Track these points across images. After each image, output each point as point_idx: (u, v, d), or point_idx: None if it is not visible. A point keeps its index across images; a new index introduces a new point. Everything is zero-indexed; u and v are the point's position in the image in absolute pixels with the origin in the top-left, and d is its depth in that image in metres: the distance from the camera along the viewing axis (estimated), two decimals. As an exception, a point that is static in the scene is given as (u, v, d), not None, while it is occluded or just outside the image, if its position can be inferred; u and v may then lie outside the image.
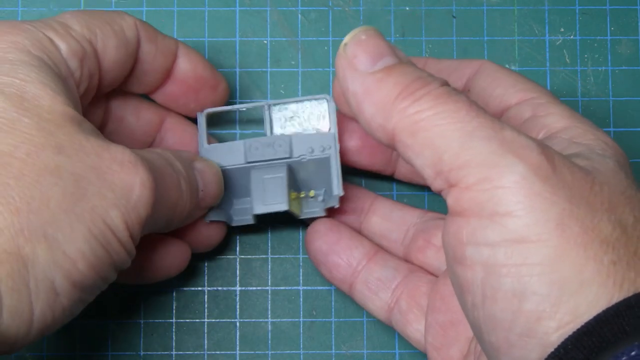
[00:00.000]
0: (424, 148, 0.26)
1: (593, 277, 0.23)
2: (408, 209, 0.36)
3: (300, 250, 0.38)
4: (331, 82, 0.39)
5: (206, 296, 0.38)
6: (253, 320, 0.38)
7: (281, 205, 0.34)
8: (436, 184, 0.26)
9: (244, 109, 0.37)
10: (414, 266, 0.35)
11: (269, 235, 0.38)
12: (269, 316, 0.38)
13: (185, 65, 0.34)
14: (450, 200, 0.26)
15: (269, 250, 0.38)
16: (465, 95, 0.27)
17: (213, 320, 0.38)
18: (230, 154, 0.35)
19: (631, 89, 0.40)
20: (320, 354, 0.38)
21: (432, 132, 0.26)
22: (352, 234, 0.35)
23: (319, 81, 0.39)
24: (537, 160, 0.24)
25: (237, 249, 0.38)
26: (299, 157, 0.35)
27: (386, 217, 0.36)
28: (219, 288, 0.38)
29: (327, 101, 0.35)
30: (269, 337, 0.38)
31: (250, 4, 0.40)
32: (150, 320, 0.38)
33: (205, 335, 0.38)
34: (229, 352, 0.38)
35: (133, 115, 0.35)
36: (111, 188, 0.27)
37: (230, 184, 0.35)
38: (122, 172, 0.27)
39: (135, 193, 0.27)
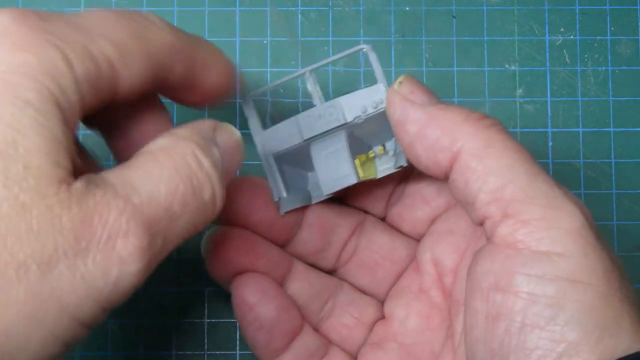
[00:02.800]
0: (489, 174, 0.27)
1: (629, 327, 0.25)
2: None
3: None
4: (331, 82, 0.39)
5: (206, 296, 0.38)
6: (253, 320, 0.38)
7: (350, 179, 0.32)
8: (487, 211, 0.27)
9: (283, 82, 0.34)
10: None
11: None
12: (269, 316, 0.38)
13: (211, 82, 0.30)
14: (503, 230, 0.27)
15: (269, 250, 0.38)
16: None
17: (213, 320, 0.38)
18: (286, 135, 0.33)
19: (631, 89, 0.40)
20: (320, 354, 0.38)
21: (502, 161, 0.27)
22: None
23: (319, 81, 0.39)
24: (588, 214, 0.27)
25: (237, 249, 0.38)
26: (354, 119, 0.32)
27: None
28: (219, 288, 0.38)
29: (368, 51, 0.32)
30: (269, 337, 0.38)
31: (250, 4, 0.40)
32: (151, 321, 0.37)
33: (205, 335, 0.38)
34: (229, 352, 0.38)
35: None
36: (84, 279, 0.23)
37: (300, 160, 0.33)
38: (98, 254, 0.23)
39: (112, 276, 0.23)
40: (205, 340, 0.38)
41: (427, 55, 0.40)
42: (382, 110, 0.31)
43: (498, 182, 0.27)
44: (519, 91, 0.39)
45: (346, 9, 0.40)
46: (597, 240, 0.26)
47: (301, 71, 0.33)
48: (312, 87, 0.33)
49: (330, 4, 0.40)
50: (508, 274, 0.26)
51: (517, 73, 0.40)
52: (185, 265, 0.38)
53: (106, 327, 0.38)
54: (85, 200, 0.23)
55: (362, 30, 0.40)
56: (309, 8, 0.40)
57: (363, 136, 0.33)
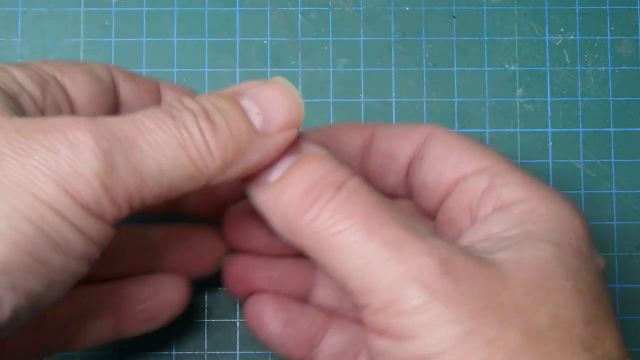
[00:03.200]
0: (332, 270, 0.25)
1: None
2: None
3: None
4: (331, 82, 0.39)
5: (206, 296, 0.38)
6: (253, 320, 0.38)
7: None
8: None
9: None
10: None
11: (269, 235, 0.38)
12: (269, 316, 0.38)
13: (172, 97, 0.32)
14: (364, 319, 0.25)
15: (269, 250, 0.38)
16: (370, 193, 0.25)
17: (213, 320, 0.38)
18: None
19: (631, 89, 0.40)
20: (320, 354, 0.38)
21: (335, 255, 0.25)
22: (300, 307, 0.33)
23: (319, 81, 0.39)
24: (437, 280, 0.24)
25: (237, 249, 0.38)
26: None
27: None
28: (219, 288, 0.38)
29: None
30: (269, 337, 0.38)
31: (250, 4, 0.40)
32: (150, 320, 0.38)
33: (205, 335, 0.38)
34: (229, 352, 0.38)
35: None
36: (30, 155, 0.23)
37: None
38: (44, 138, 0.23)
39: (63, 154, 0.23)
40: (205, 340, 0.38)
41: (427, 55, 0.40)
42: None
43: (342, 278, 0.25)
44: (519, 91, 0.39)
45: (346, 9, 0.40)
46: (448, 304, 0.24)
47: None
48: None
49: (330, 4, 0.40)
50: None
51: (517, 73, 0.40)
52: (185, 265, 0.38)
53: (106, 327, 0.38)
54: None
55: (362, 30, 0.40)
56: (309, 8, 0.40)
57: None
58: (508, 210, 0.27)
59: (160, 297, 0.33)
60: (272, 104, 0.26)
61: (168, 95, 0.32)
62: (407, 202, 0.33)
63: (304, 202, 0.25)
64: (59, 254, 0.23)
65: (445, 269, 0.24)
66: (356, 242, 0.24)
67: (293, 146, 0.26)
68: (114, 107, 0.31)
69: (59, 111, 0.28)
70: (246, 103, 0.26)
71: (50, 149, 0.23)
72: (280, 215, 0.26)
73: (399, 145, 0.30)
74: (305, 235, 0.25)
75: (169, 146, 0.24)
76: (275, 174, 0.26)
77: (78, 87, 0.29)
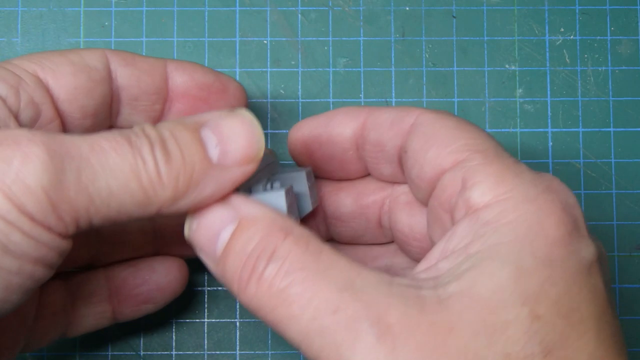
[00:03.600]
0: (283, 332, 0.25)
1: None
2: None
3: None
4: (331, 82, 0.39)
5: (206, 296, 0.38)
6: (253, 320, 0.38)
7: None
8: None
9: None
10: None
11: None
12: (269, 316, 0.38)
13: (181, 79, 0.32)
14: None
15: (269, 250, 0.38)
16: (305, 254, 0.25)
17: (213, 320, 0.38)
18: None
19: (631, 89, 0.40)
20: (320, 354, 0.38)
21: (282, 328, 0.25)
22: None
23: (319, 81, 0.39)
24: (374, 346, 0.23)
25: (237, 249, 0.38)
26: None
27: None
28: (219, 288, 0.38)
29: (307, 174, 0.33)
30: (269, 337, 0.38)
31: (250, 4, 0.40)
32: (151, 321, 0.37)
33: (205, 335, 0.38)
34: (229, 352, 0.38)
35: None
36: None
37: None
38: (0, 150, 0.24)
39: (14, 166, 0.23)
40: (205, 340, 0.38)
41: (427, 55, 0.40)
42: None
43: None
44: (519, 91, 0.39)
45: (346, 9, 0.40)
46: None
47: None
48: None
49: (330, 4, 0.40)
50: None
51: (517, 73, 0.40)
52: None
53: (106, 326, 0.38)
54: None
55: (362, 30, 0.40)
56: (309, 8, 0.40)
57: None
58: (475, 217, 0.25)
59: (154, 280, 0.33)
60: (232, 136, 0.26)
61: (177, 78, 0.31)
62: (407, 187, 0.32)
63: (242, 278, 0.25)
64: (10, 257, 0.23)
65: (381, 331, 0.23)
66: (293, 316, 0.24)
67: (233, 208, 0.26)
68: (109, 96, 0.30)
69: (37, 111, 0.28)
70: (206, 134, 0.26)
71: (3, 159, 0.23)
72: (231, 290, 0.26)
73: (387, 135, 0.29)
74: (254, 309, 0.25)
75: (121, 170, 0.24)
76: (219, 248, 0.26)
77: (61, 81, 0.29)
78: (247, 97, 0.33)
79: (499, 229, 0.25)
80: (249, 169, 0.26)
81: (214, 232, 0.26)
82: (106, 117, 0.31)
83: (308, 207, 0.32)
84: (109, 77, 0.30)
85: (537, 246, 0.24)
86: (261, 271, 0.25)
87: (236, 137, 0.26)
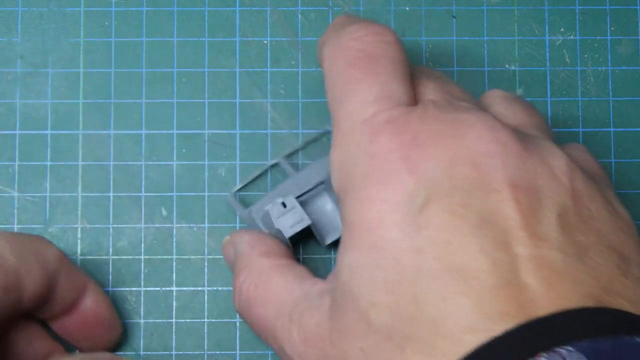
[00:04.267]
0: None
1: None
2: None
3: (300, 250, 0.38)
4: (331, 82, 0.39)
5: (206, 296, 0.38)
6: (253, 320, 0.38)
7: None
8: None
9: (258, 175, 0.38)
10: None
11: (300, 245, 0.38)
12: (269, 316, 0.38)
13: (90, 303, 0.34)
14: None
15: (269, 250, 0.38)
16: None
17: (213, 320, 0.38)
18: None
19: (631, 89, 0.40)
20: (320, 354, 0.38)
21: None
22: None
23: (319, 81, 0.39)
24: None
25: (237, 249, 0.38)
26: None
27: None
28: (219, 288, 0.38)
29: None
30: (269, 337, 0.38)
31: (250, 4, 0.40)
32: (150, 320, 0.37)
33: (205, 335, 0.38)
34: (229, 352, 0.38)
35: (24, 340, 0.34)
36: None
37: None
38: None
39: None
40: (205, 340, 0.38)
41: (427, 55, 0.40)
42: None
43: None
44: (519, 91, 0.39)
45: (346, 9, 0.40)
46: None
47: (274, 161, 0.38)
48: (289, 170, 0.38)
49: (330, 4, 0.40)
50: None
51: (517, 73, 0.40)
52: (185, 265, 0.38)
53: (106, 327, 0.38)
54: None
55: (362, 30, 0.40)
56: (309, 8, 0.40)
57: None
58: None
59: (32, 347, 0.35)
60: None
61: (88, 299, 0.34)
62: None
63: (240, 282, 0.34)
64: None
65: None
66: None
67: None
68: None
69: (9, 309, 0.31)
70: None
71: None
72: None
73: None
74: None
75: None
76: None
77: (31, 284, 0.31)
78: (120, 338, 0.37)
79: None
80: None
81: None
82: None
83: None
84: (57, 279, 0.33)
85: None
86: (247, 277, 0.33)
87: None
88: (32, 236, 0.33)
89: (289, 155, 0.38)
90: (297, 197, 0.36)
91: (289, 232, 0.35)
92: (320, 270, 0.38)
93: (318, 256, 0.38)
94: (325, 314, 0.27)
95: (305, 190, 0.36)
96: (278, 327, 0.30)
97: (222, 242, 0.36)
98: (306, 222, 0.35)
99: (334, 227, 0.37)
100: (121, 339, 0.37)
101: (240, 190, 0.38)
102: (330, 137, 0.38)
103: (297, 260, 0.35)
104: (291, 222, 0.36)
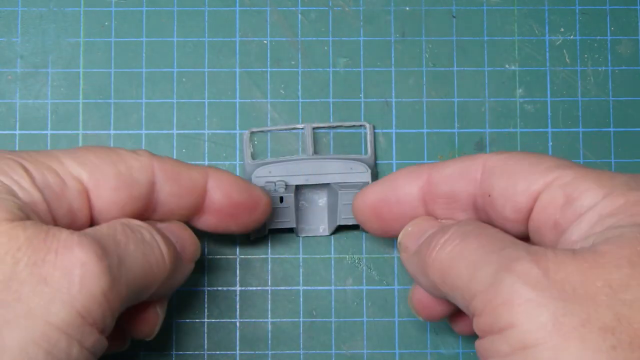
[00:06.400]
0: (452, 289, 0.29)
1: None
2: None
3: (300, 251, 0.38)
4: (331, 82, 0.39)
5: (206, 296, 0.38)
6: (253, 320, 0.38)
7: (323, 232, 0.39)
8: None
9: (282, 129, 0.39)
10: None
11: (269, 236, 0.38)
12: (269, 316, 0.38)
13: (218, 197, 0.32)
14: (475, 329, 0.27)
15: (269, 250, 0.38)
16: (471, 224, 0.30)
17: (213, 320, 0.38)
18: (277, 175, 0.38)
19: (631, 89, 0.40)
20: (320, 354, 0.38)
21: (451, 274, 0.28)
22: None
23: (319, 81, 0.39)
24: (526, 268, 0.26)
25: (237, 249, 0.38)
26: (334, 184, 0.38)
27: None
28: (219, 288, 0.38)
29: (368, 130, 0.39)
30: (269, 337, 0.38)
31: (250, 4, 0.40)
32: (150, 320, 0.37)
33: (205, 335, 0.38)
34: (229, 352, 0.38)
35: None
36: (46, 281, 0.25)
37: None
38: (57, 260, 0.26)
39: (76, 276, 0.26)
40: (205, 340, 0.38)
41: (427, 55, 0.40)
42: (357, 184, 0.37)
43: (458, 294, 0.29)
44: (519, 91, 0.39)
45: (346, 9, 0.40)
46: (538, 289, 0.25)
47: (301, 125, 0.39)
48: (309, 141, 0.38)
49: (330, 4, 0.40)
50: None
51: (517, 73, 0.40)
52: (185, 265, 0.38)
53: (106, 327, 0.38)
54: (39, 226, 0.26)
55: (362, 30, 0.40)
56: (309, 8, 0.40)
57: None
58: (591, 213, 0.28)
59: None
60: (188, 242, 0.33)
61: (215, 196, 0.32)
62: None
63: (430, 242, 0.30)
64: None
65: (535, 259, 0.26)
66: (466, 258, 0.28)
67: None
68: (144, 208, 0.31)
69: (73, 217, 0.29)
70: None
71: (62, 269, 0.25)
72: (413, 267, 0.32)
73: (458, 186, 0.32)
74: (430, 270, 0.30)
75: (139, 257, 0.29)
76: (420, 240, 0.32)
77: (103, 193, 0.30)
78: (271, 207, 0.35)
79: (614, 212, 0.27)
80: (192, 266, 0.33)
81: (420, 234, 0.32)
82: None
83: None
84: (151, 192, 0.31)
85: None
86: (441, 235, 0.30)
87: (190, 244, 0.33)
88: (119, 149, 0.31)
89: (316, 128, 0.39)
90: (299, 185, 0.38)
91: (272, 225, 0.37)
92: (320, 271, 0.38)
93: (318, 256, 0.38)
94: None
95: (313, 183, 0.38)
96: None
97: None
98: (291, 225, 0.37)
99: (316, 221, 0.38)
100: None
101: (255, 133, 0.39)
102: (362, 131, 0.39)
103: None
104: (278, 218, 0.37)
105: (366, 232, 0.36)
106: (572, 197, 0.29)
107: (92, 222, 0.30)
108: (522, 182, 0.30)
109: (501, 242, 0.28)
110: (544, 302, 0.25)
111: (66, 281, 0.25)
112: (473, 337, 0.28)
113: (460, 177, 0.32)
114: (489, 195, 0.31)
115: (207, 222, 0.33)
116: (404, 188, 0.33)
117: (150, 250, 0.29)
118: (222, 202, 0.32)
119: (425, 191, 0.33)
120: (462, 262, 0.28)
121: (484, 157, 0.32)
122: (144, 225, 0.30)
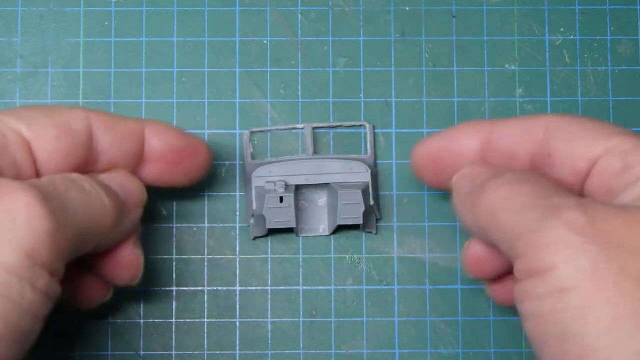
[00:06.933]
0: (498, 231, 0.29)
1: (626, 314, 0.25)
2: None
3: (300, 251, 0.38)
4: (331, 82, 0.39)
5: (206, 296, 0.38)
6: (253, 320, 0.38)
7: (323, 233, 0.39)
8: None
9: (282, 129, 0.39)
10: None
11: (269, 236, 0.38)
12: (269, 316, 0.38)
13: (156, 143, 0.33)
14: (515, 271, 0.28)
15: (269, 250, 0.38)
16: (526, 173, 0.30)
17: (213, 320, 0.38)
18: (276, 175, 0.38)
19: (631, 89, 0.40)
20: (320, 354, 0.38)
21: (499, 215, 0.29)
22: None
23: (319, 81, 0.39)
24: (573, 216, 0.26)
25: (237, 249, 0.38)
26: (333, 184, 0.38)
27: None
28: (219, 288, 0.38)
29: (368, 130, 0.39)
30: (269, 337, 0.38)
31: (250, 4, 0.40)
32: (150, 320, 0.37)
33: (205, 335, 0.38)
34: (229, 352, 0.38)
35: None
36: None
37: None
38: (1, 203, 0.26)
39: (21, 216, 0.26)
40: (205, 340, 0.38)
41: (427, 55, 0.40)
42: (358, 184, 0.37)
43: (503, 237, 0.29)
44: (519, 91, 0.39)
45: (346, 9, 0.40)
46: (582, 236, 0.26)
47: (301, 125, 0.39)
48: (309, 141, 0.38)
49: (330, 4, 0.40)
50: (518, 304, 0.28)
51: (517, 73, 0.40)
52: (185, 265, 0.38)
53: (106, 326, 0.38)
54: None
55: (362, 30, 0.40)
56: (309, 8, 0.40)
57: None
58: None
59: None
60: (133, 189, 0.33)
61: (154, 143, 0.33)
62: None
63: (484, 186, 0.30)
64: (27, 318, 0.26)
65: (582, 207, 0.26)
66: (515, 202, 0.28)
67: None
68: (87, 158, 0.32)
69: (18, 170, 0.30)
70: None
71: (9, 214, 0.26)
72: (463, 207, 0.32)
73: (518, 143, 0.32)
74: (476, 211, 0.30)
75: (86, 205, 0.29)
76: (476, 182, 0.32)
77: (44, 143, 0.31)
78: (212, 157, 0.36)
79: None
80: (141, 211, 0.33)
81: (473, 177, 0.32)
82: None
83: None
84: (90, 141, 0.32)
85: None
86: (496, 181, 0.30)
87: (134, 190, 0.33)
88: (52, 106, 0.33)
89: (316, 128, 0.39)
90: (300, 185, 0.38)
91: (271, 225, 0.37)
92: (319, 271, 0.38)
93: (318, 256, 0.38)
94: None
95: (313, 183, 0.38)
96: None
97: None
98: (291, 225, 0.37)
99: (316, 221, 0.38)
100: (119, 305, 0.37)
101: (255, 133, 0.39)
102: (362, 131, 0.39)
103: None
104: (278, 218, 0.37)
105: (419, 181, 0.36)
106: (629, 164, 0.29)
107: (37, 176, 0.31)
108: (583, 146, 0.30)
109: (553, 190, 0.28)
110: (587, 248, 0.25)
111: (12, 223, 0.26)
112: (505, 309, 0.28)
113: (522, 134, 0.32)
114: (549, 156, 0.32)
115: (151, 172, 0.34)
116: (465, 140, 0.34)
117: (91, 198, 0.30)
118: (161, 147, 0.33)
119: (486, 146, 0.33)
120: (512, 205, 0.28)
121: (546, 117, 0.32)
122: (83, 177, 0.30)
